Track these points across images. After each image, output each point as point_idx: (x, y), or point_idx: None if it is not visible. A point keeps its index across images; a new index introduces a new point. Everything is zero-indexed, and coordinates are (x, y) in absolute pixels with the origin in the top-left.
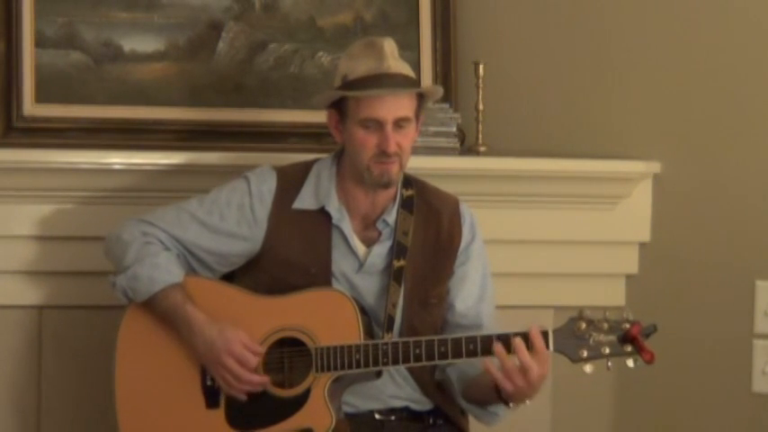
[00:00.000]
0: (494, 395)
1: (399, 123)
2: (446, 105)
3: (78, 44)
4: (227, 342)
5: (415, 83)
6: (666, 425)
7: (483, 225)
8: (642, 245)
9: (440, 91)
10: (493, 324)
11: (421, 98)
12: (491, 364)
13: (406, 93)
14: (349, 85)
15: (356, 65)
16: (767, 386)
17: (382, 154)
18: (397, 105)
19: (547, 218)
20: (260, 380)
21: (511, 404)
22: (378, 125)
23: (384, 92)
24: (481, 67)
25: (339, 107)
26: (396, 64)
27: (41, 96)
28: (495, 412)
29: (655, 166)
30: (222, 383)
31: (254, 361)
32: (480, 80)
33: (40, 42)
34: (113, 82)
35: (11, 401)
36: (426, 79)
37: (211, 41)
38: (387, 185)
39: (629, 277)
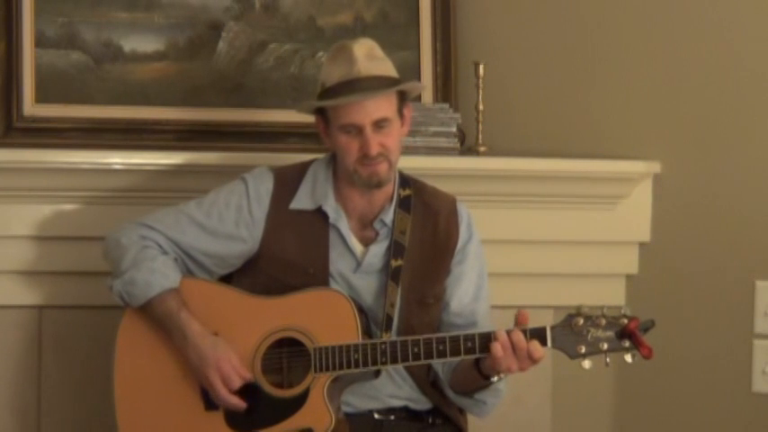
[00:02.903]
0: (474, 373)
1: (379, 124)
2: (446, 105)
3: (78, 44)
4: (217, 358)
5: (390, 82)
6: (666, 425)
7: (483, 225)
8: (642, 245)
9: (418, 86)
10: (488, 323)
11: (403, 93)
12: None
13: (378, 95)
14: (324, 93)
15: (331, 72)
16: (767, 386)
17: (365, 157)
18: (372, 108)
19: (547, 218)
20: (236, 402)
21: (494, 378)
22: (357, 130)
23: (354, 98)
24: (481, 67)
25: (323, 114)
26: (368, 66)
27: (41, 96)
28: (482, 400)
29: (655, 166)
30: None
31: (238, 384)
32: (480, 80)
33: (40, 42)
34: (113, 82)
35: (11, 401)
36: (426, 79)
37: (211, 41)
38: (378, 186)
39: (629, 277)
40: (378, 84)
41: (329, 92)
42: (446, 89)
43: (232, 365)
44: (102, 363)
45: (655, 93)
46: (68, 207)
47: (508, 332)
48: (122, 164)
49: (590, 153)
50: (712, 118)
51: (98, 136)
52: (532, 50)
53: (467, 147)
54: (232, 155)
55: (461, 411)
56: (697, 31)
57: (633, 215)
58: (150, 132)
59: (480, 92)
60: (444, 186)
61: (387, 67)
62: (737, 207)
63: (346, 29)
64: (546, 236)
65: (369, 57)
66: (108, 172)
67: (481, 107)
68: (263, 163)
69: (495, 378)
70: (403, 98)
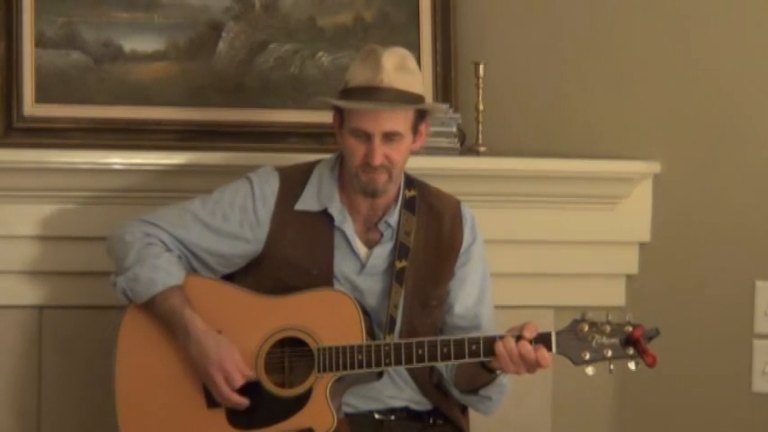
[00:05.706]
0: (479, 368)
1: (389, 137)
2: (446, 105)
3: (78, 44)
4: (220, 357)
5: (411, 98)
6: (667, 425)
7: (483, 225)
8: (642, 245)
9: (437, 108)
10: (491, 326)
11: (422, 111)
12: None
13: (394, 109)
14: (345, 93)
15: (357, 73)
16: (767, 386)
17: (367, 165)
18: (386, 120)
19: (547, 218)
20: (239, 400)
21: (499, 371)
22: (366, 136)
23: (368, 106)
24: (481, 67)
25: (340, 111)
26: (393, 77)
27: (41, 96)
28: (487, 396)
29: (655, 166)
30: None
31: (240, 382)
32: (480, 80)
33: (40, 42)
34: (113, 82)
35: (11, 401)
36: (426, 79)
37: (211, 41)
38: (373, 194)
39: (629, 277)
40: (397, 97)
41: (349, 93)
42: (446, 89)
43: (235, 363)
44: (103, 363)
45: (655, 93)
46: (68, 207)
47: (516, 339)
48: (122, 164)
49: (590, 153)
50: (712, 118)
51: (98, 136)
52: (532, 50)
53: (467, 147)
54: (232, 155)
55: (462, 412)
56: (697, 31)
57: (633, 215)
58: (150, 132)
59: (480, 92)
60: (445, 186)
61: (412, 82)
62: (738, 207)
63: (346, 29)
64: (546, 236)
65: (398, 68)
66: (108, 172)
67: (481, 107)
68: (263, 163)
69: (500, 371)
70: (422, 115)
